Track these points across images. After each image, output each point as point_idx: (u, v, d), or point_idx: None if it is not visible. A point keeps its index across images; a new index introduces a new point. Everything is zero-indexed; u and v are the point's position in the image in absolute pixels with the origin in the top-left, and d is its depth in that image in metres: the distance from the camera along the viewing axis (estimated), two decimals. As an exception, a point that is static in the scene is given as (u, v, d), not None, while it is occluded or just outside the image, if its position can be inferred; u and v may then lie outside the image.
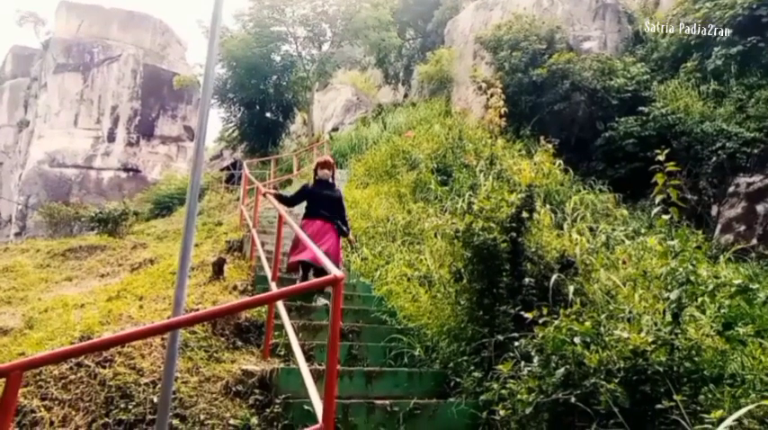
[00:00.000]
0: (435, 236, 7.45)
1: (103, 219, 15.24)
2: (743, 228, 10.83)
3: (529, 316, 4.15)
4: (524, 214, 5.42)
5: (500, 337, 4.61)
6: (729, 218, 11.13)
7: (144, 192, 24.57)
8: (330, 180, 7.11)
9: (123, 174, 31.01)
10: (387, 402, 4.17)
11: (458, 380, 4.73)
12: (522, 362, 4.03)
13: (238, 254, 8.92)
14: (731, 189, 11.35)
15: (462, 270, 5.49)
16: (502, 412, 3.92)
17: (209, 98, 3.54)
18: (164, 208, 20.91)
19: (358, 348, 5.33)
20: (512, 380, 3.99)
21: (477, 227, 5.33)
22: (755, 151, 11.22)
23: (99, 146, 30.99)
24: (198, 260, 8.37)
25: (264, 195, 7.16)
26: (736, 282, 3.97)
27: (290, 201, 7.18)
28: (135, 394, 4.19)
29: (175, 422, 3.99)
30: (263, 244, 7.43)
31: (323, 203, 6.83)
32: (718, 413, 2.94)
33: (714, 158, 11.54)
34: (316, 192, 6.95)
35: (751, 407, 1.69)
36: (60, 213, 19.48)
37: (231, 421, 4.07)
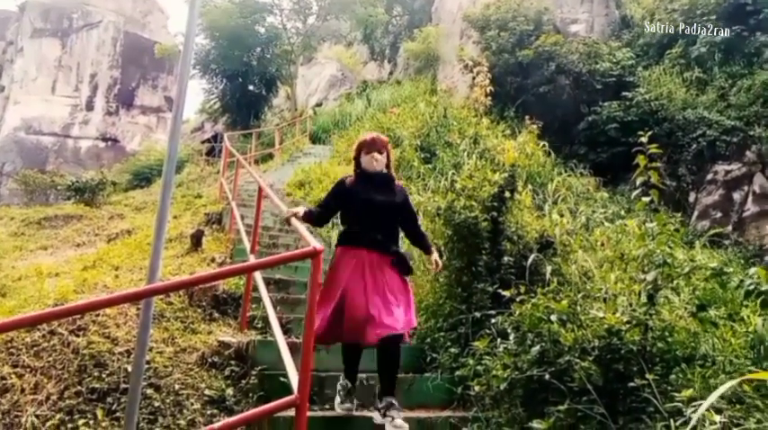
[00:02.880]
0: (417, 213, 7.42)
1: (80, 188, 14.98)
2: (719, 214, 11.01)
3: (506, 294, 4.17)
4: (506, 194, 5.43)
5: (477, 314, 4.64)
6: (706, 204, 11.30)
7: (122, 163, 24.19)
8: (385, 171, 4.09)
9: (102, 144, 30.45)
10: (363, 375, 4.17)
11: (434, 355, 4.76)
12: (499, 340, 4.06)
13: (217, 226, 8.84)
14: (709, 176, 11.51)
15: (442, 248, 5.49)
16: (477, 388, 3.95)
17: (189, 66, 3.45)
18: (142, 179, 20.63)
19: (336, 323, 5.32)
20: (487, 357, 4.02)
21: (459, 205, 5.33)
22: (735, 140, 11.36)
23: (77, 114, 30.34)
24: (176, 232, 8.27)
25: (288, 222, 4.03)
26: (712, 265, 4.03)
27: (320, 218, 4.15)
28: (109, 363, 4.14)
29: (150, 391, 3.96)
30: (242, 217, 7.35)
31: (375, 216, 3.92)
32: (689, 392, 2.99)
33: (694, 146, 11.67)
34: (361, 197, 3.94)
35: (723, 389, 1.72)
36: (36, 181, 19.11)
37: (206, 392, 4.05)
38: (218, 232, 8.47)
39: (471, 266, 5.17)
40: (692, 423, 2.26)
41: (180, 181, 16.72)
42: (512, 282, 4.59)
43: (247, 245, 6.00)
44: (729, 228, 10.66)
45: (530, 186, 6.95)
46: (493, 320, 4.34)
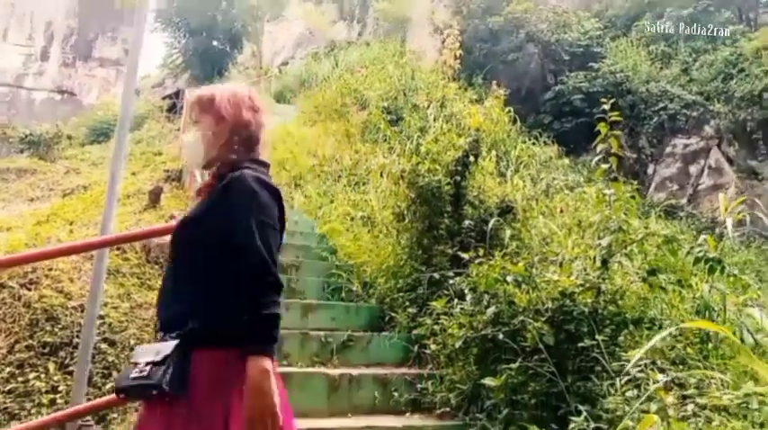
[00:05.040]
0: (381, 176, 7.41)
1: (34, 141, 14.41)
2: (675, 187, 11.32)
3: (466, 256, 4.24)
4: (470, 158, 5.46)
5: (436, 275, 4.69)
6: (664, 177, 11.59)
7: (79, 117, 23.30)
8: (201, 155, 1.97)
9: (57, 97, 29.20)
10: (321, 333, 4.21)
11: (393, 315, 4.83)
12: (456, 300, 4.13)
13: (177, 184, 8.67)
14: (668, 149, 11.77)
15: (405, 210, 5.51)
16: (433, 346, 4.03)
17: (147, 12, 3.31)
18: (100, 134, 19.92)
19: (297, 282, 5.33)
20: (444, 317, 4.09)
21: (424, 168, 5.34)
22: (695, 114, 11.61)
23: (31, 64, 28.94)
24: (134, 188, 8.08)
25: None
26: (664, 232, 4.15)
27: None
28: (61, 317, 4.07)
29: (104, 346, 3.92)
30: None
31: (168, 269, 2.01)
32: (634, 352, 3.11)
33: (655, 118, 11.88)
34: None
35: (656, 340, 1.82)
36: (-14, 133, 18.28)
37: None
38: (178, 189, 8.31)
39: (433, 229, 5.21)
40: (631, 374, 2.35)
41: (139, 138, 16.25)
42: (471, 246, 4.65)
43: (207, 202, 5.88)
44: (684, 200, 10.98)
45: (494, 152, 6.99)
46: (451, 282, 4.40)
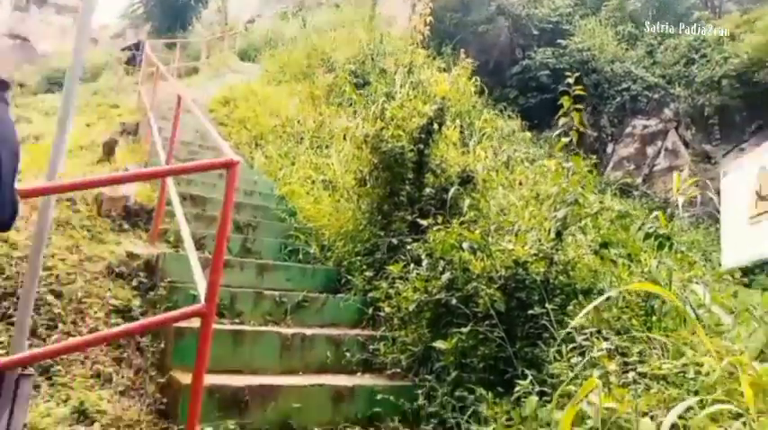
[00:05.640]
0: (345, 139, 7.34)
1: (-19, 86, 13.66)
2: (632, 166, 11.60)
3: (424, 223, 4.27)
4: (434, 126, 5.44)
5: (394, 241, 4.71)
6: (622, 156, 11.85)
7: (33, 65, 22.23)
8: None
9: (10, 42, 27.76)
10: (276, 293, 4.19)
11: (349, 277, 4.84)
12: (412, 265, 4.16)
13: (133, 138, 8.40)
14: (628, 130, 12.02)
15: (367, 176, 5.49)
16: (387, 309, 4.07)
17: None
18: (54, 83, 19.06)
19: (253, 242, 5.27)
20: (400, 281, 4.12)
21: (388, 134, 5.31)
22: (656, 96, 11.85)
23: (-21, 5, 27.40)
24: (88, 140, 7.80)
25: None
26: (618, 207, 4.25)
27: None
28: (6, 267, 3.92)
29: (51, 298, 3.80)
30: (160, 129, 6.96)
31: None
32: (581, 320, 3.20)
33: (618, 98, 12.09)
34: None
35: (600, 300, 1.90)
36: (-70, 75, 17.23)
37: (111, 301, 3.93)
38: (134, 143, 8.05)
39: (394, 195, 5.21)
40: (577, 342, 2.42)
41: (96, 89, 15.63)
42: (431, 213, 4.68)
43: (163, 157, 5.72)
44: (640, 179, 11.28)
45: (458, 122, 6.99)
46: (409, 247, 4.43)
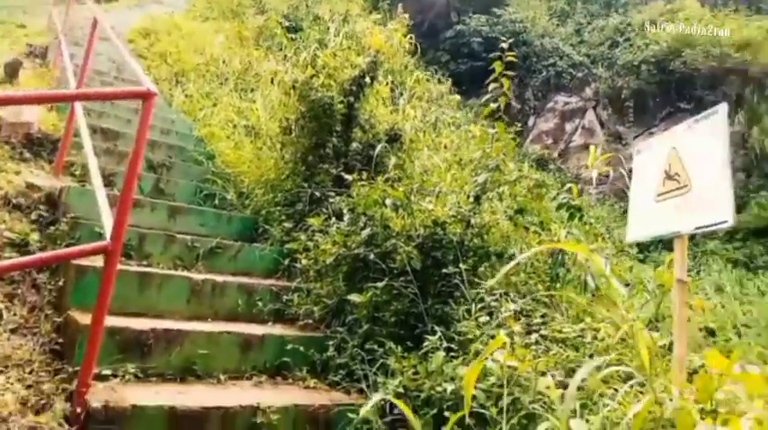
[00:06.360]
0: (272, 83, 7.08)
1: None
2: (550, 141, 12.02)
3: (349, 178, 4.23)
4: (366, 80, 5.34)
5: (317, 193, 4.64)
6: (542, 130, 12.24)
7: None
8: None
9: None
10: (188, 237, 4.03)
11: (267, 227, 4.74)
12: (334, 219, 4.13)
13: (41, 62, 7.72)
14: (550, 105, 12.40)
15: (293, 124, 5.34)
16: (304, 261, 4.03)
17: None
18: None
19: (167, 182, 5.03)
20: (319, 234, 4.09)
21: (318, 82, 5.17)
22: (579, 75, 12.25)
23: None
24: (-14, 57, 7.06)
25: None
26: (535, 176, 4.38)
27: None
28: None
29: (-67, 226, 3.47)
30: (72, 56, 6.43)
31: None
32: (491, 282, 3.31)
33: (544, 73, 12.40)
34: None
35: (511, 266, 1.97)
36: None
37: (7, 234, 3.64)
38: (42, 68, 7.40)
39: (320, 147, 5.12)
40: (485, 301, 2.49)
41: (1, 5, 14.13)
42: (356, 169, 4.64)
43: (73, 84, 5.29)
44: (556, 154, 11.72)
45: (390, 78, 6.92)
46: (331, 201, 4.38)
